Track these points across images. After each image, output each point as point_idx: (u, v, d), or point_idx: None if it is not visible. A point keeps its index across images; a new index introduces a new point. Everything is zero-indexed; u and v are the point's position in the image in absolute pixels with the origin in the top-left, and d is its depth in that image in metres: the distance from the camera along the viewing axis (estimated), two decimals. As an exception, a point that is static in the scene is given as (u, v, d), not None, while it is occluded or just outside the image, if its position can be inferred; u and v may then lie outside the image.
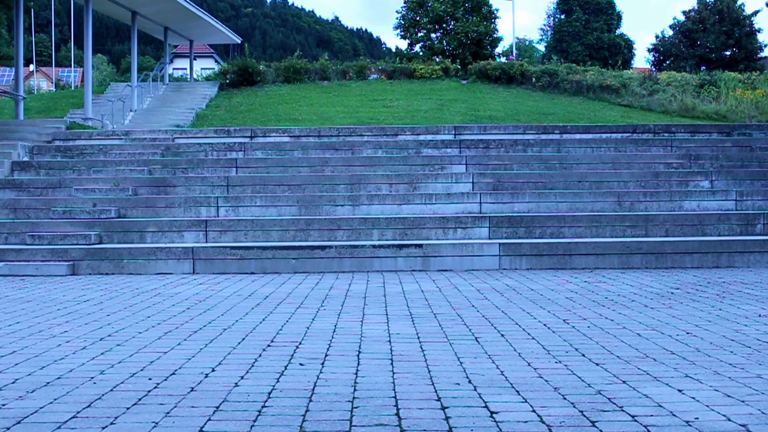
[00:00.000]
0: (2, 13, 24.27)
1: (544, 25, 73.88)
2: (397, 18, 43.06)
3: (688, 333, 5.87)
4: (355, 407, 3.82)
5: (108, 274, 10.72)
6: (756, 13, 51.97)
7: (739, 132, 17.00)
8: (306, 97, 24.84)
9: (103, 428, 3.50)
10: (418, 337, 5.74)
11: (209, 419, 3.63)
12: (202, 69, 50.24)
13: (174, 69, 57.29)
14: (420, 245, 11.08)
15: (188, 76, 38.46)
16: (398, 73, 29.08)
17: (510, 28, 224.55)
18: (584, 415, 3.67)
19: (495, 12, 41.92)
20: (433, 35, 41.62)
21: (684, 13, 52.94)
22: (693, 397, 3.99)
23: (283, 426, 3.52)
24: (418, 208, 12.91)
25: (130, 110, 24.53)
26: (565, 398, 3.99)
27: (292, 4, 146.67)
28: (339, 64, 30.47)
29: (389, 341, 5.60)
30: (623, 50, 56.75)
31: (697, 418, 3.60)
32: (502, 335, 5.82)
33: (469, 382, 4.35)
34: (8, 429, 3.49)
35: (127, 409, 3.82)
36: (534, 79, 26.73)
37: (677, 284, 9.03)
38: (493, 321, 6.49)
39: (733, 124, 18.08)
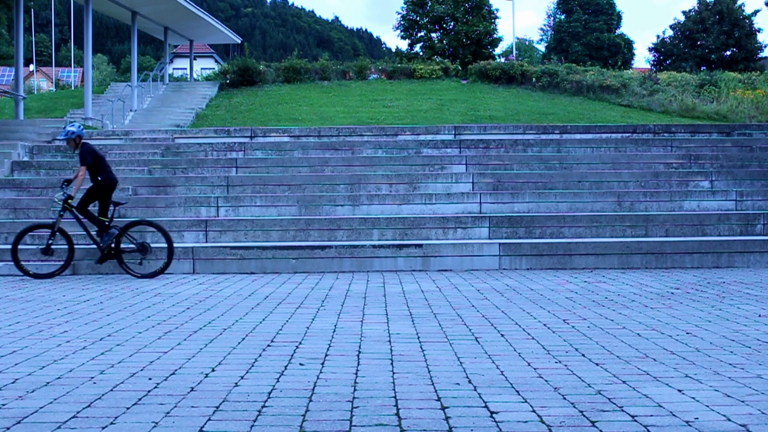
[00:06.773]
0: (2, 13, 24.28)
1: (545, 25, 73.96)
2: (397, 18, 43.13)
3: (688, 333, 5.87)
4: (355, 407, 3.82)
5: (108, 274, 10.72)
6: (756, 13, 52.00)
7: (739, 132, 17.00)
8: (306, 97, 24.85)
9: (103, 428, 3.50)
10: (418, 337, 5.74)
11: (209, 419, 3.63)
12: (202, 69, 50.26)
13: (174, 69, 57.28)
14: (420, 245, 11.08)
15: (188, 76, 38.46)
16: (398, 73, 29.09)
17: (510, 28, 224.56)
18: (584, 415, 3.66)
19: (495, 12, 41.97)
20: (433, 35, 41.67)
21: (684, 13, 52.98)
22: (693, 397, 3.99)
23: (283, 426, 3.52)
24: (418, 208, 12.91)
25: (130, 110, 24.53)
26: (565, 398, 3.99)
27: (292, 4, 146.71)
28: (339, 64, 30.48)
29: (389, 341, 5.60)
30: (623, 50, 56.81)
31: (697, 418, 3.60)
32: (502, 335, 5.82)
33: (469, 382, 4.35)
34: (8, 429, 3.49)
35: (127, 409, 3.82)
36: (534, 79, 26.74)
37: (677, 284, 9.03)
38: (493, 321, 6.48)
39: (733, 124, 18.09)
